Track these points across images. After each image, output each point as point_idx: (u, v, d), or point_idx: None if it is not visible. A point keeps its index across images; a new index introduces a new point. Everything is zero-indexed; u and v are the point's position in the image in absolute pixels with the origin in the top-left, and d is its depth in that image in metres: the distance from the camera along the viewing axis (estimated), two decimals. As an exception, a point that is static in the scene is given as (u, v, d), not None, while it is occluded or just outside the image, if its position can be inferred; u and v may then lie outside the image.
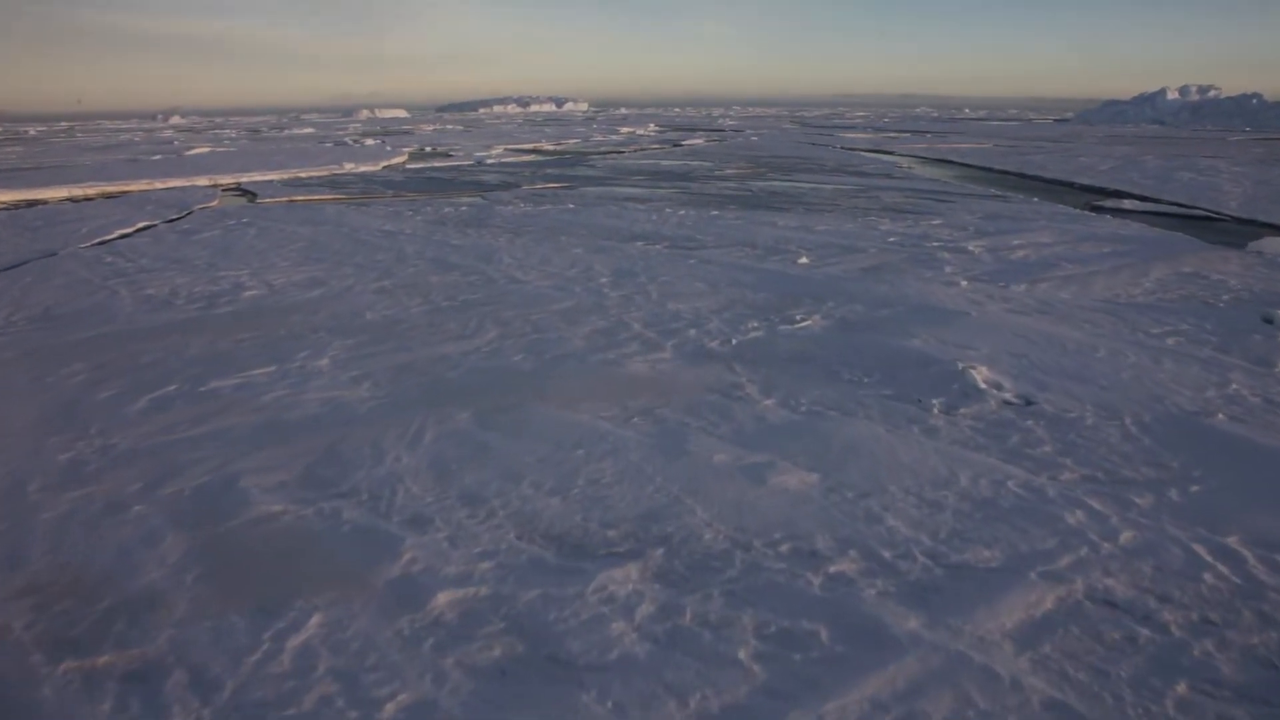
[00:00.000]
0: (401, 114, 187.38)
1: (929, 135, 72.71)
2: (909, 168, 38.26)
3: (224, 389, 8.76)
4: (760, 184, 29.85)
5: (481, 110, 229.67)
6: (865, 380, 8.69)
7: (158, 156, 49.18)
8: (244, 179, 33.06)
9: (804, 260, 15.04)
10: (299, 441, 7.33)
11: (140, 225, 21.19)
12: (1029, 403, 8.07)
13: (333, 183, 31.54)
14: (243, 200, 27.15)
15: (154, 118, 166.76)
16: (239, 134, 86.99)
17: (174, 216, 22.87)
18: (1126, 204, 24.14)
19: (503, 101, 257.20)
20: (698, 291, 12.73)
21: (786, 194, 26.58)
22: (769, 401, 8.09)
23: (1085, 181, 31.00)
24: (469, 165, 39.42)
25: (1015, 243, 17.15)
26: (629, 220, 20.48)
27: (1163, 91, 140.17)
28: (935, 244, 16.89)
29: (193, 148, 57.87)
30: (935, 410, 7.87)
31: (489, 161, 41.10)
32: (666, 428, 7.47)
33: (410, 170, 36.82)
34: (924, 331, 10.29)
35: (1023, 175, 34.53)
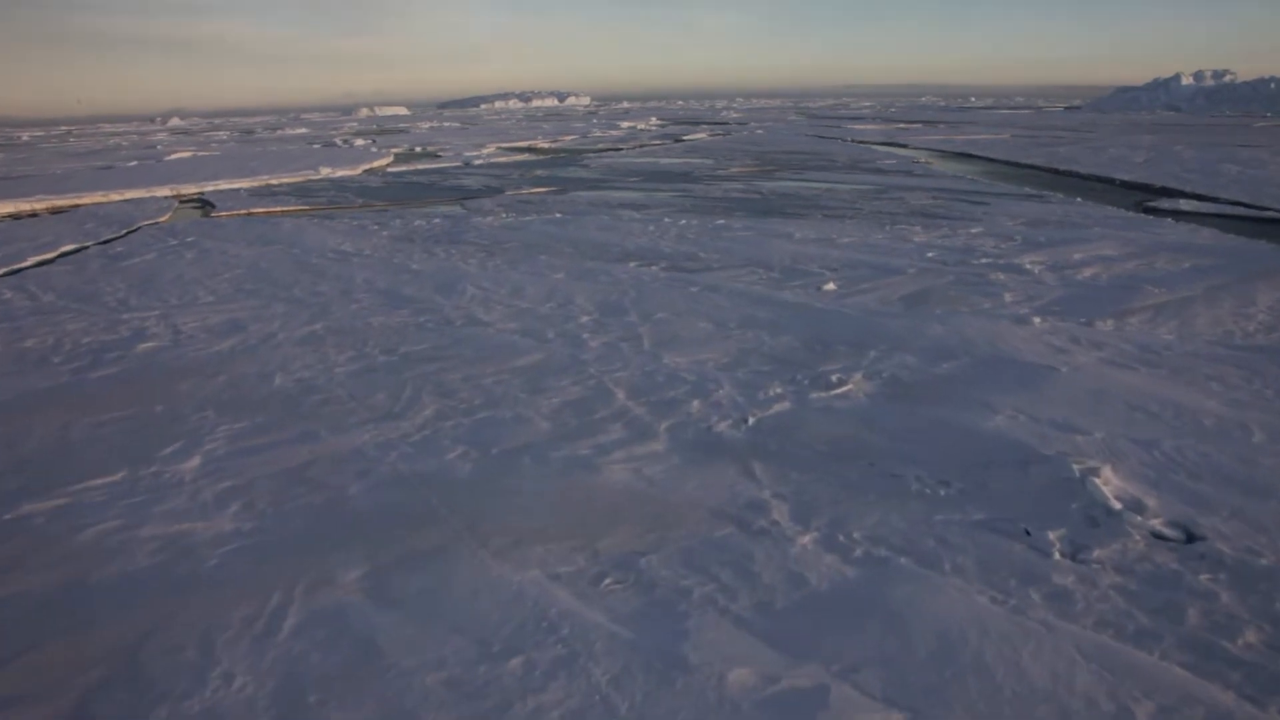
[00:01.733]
0: (402, 111, 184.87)
1: (941, 126, 69.81)
2: (928, 163, 35.52)
3: (36, 517, 6.21)
4: (769, 184, 27.17)
5: (483, 106, 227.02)
6: (943, 493, 6.07)
7: (134, 163, 46.74)
8: (211, 187, 30.55)
9: (830, 286, 12.40)
10: (93, 632, 4.77)
11: (67, 249, 18.66)
12: (1191, 537, 5.46)
13: (303, 191, 28.98)
14: (198, 214, 24.62)
15: (153, 120, 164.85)
16: (232, 136, 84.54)
17: (111, 236, 20.33)
18: (1183, 205, 21.41)
19: (504, 97, 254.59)
20: (702, 335, 10.12)
21: (800, 196, 23.90)
22: (807, 539, 5.49)
23: (1124, 177, 28.22)
24: (455, 167, 36.80)
25: (1076, 256, 14.49)
26: (622, 233, 17.86)
27: (1177, 77, 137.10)
28: (983, 260, 14.24)
29: (176, 152, 55.49)
30: (1056, 554, 5.27)
31: (477, 163, 38.49)
32: (654, 602, 4.88)
33: (391, 174, 34.23)
34: (1005, 400, 7.67)
35: (1054, 170, 31.76)
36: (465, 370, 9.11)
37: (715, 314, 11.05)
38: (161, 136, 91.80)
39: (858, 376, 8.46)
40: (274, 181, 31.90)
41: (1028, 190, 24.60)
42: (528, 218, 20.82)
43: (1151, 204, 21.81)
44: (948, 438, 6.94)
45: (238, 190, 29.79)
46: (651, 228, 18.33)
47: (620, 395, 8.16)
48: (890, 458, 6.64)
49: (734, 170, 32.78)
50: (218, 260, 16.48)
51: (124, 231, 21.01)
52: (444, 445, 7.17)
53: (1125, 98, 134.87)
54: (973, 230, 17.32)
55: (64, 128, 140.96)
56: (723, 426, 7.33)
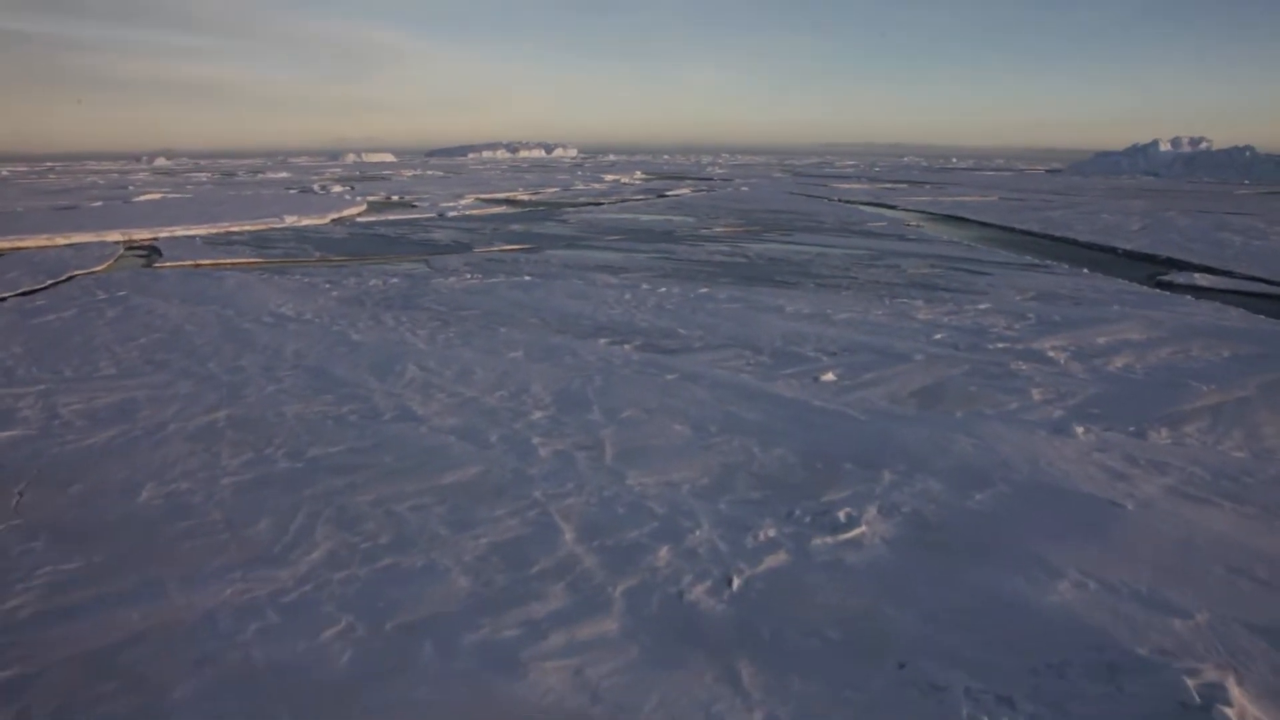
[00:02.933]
0: (389, 158, 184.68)
1: (927, 187, 69.40)
2: (920, 226, 34.34)
3: None
4: (756, 247, 25.70)
5: (471, 155, 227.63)
6: (1009, 726, 4.27)
7: (99, 203, 44.96)
8: (166, 233, 28.76)
9: (830, 377, 10.71)
10: None
11: (-24, 302, 16.76)
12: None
13: (262, 241, 27.25)
14: (140, 263, 22.78)
15: (139, 159, 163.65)
16: (212, 179, 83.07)
17: (34, 287, 18.45)
18: (1199, 279, 20.06)
19: (492, 147, 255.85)
20: (677, 444, 8.35)
21: (789, 262, 22.39)
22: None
23: (1125, 245, 27.01)
24: (427, 219, 35.23)
25: (1100, 341, 12.92)
26: (595, 301, 16.18)
27: (1155, 143, 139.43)
28: (999, 345, 12.63)
29: (147, 194, 53.88)
30: None
31: (451, 214, 36.95)
32: None
33: (358, 225, 32.59)
34: (1066, 555, 5.92)
35: (1049, 236, 30.57)
36: (380, 487, 7.27)
37: (694, 412, 9.30)
38: (142, 176, 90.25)
39: (872, 512, 6.69)
40: (234, 229, 30.17)
41: (1029, 259, 23.24)
42: (494, 279, 19.14)
43: (1164, 277, 20.45)
44: (1000, 619, 5.17)
45: (193, 238, 28.01)
46: (628, 295, 16.67)
47: (568, 534, 6.34)
48: (926, 653, 4.84)
49: (718, 230, 31.39)
50: (139, 321, 14.64)
51: (50, 282, 19.14)
52: (324, 613, 5.31)
53: (1105, 162, 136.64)
54: (980, 306, 15.77)
55: (48, 164, 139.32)
56: (698, 592, 5.52)
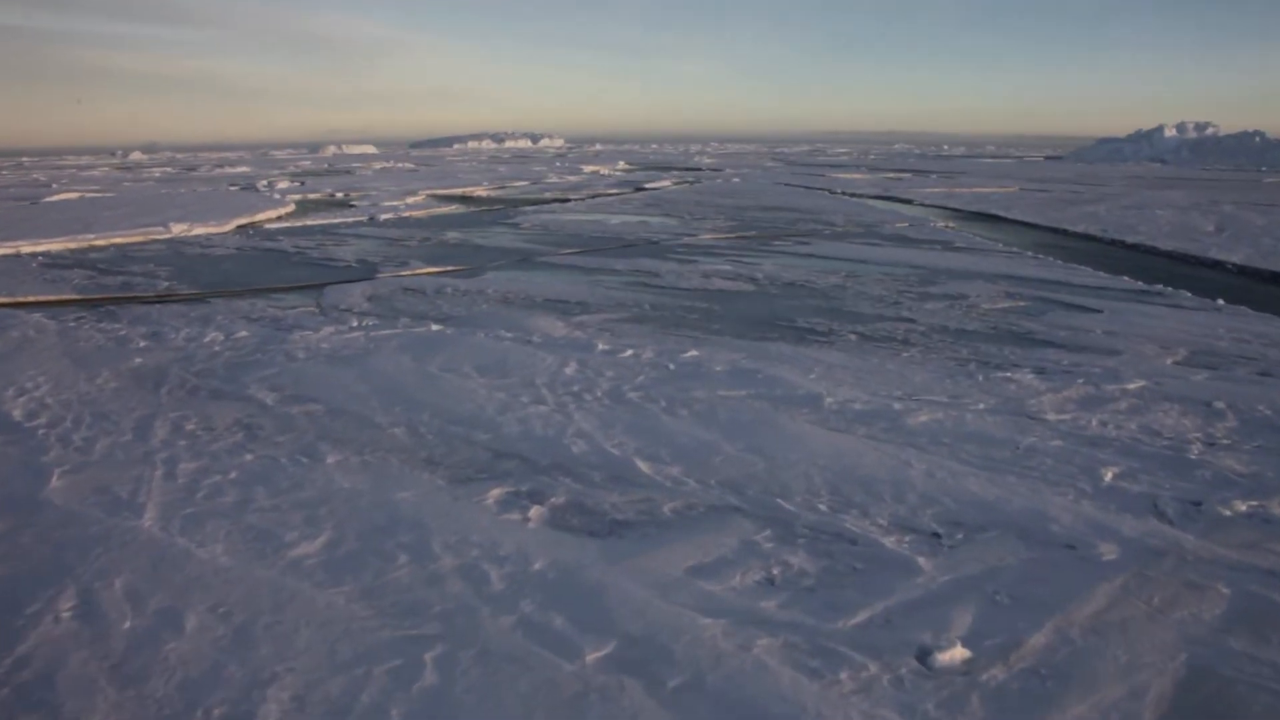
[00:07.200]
0: (370, 150, 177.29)
1: (933, 176, 63.52)
2: (952, 228, 28.45)
3: None
4: (759, 264, 19.68)
5: (456, 146, 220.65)
6: None
7: (-5, 206, 38.75)
8: (6, 249, 22.61)
9: (955, 655, 4.75)
10: None
11: None
12: None
13: (116, 261, 21.09)
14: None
15: (114, 154, 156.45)
16: (164, 174, 76.56)
17: None
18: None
19: (478, 137, 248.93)
20: None
21: (808, 290, 16.35)
22: None
23: (1223, 256, 21.13)
24: (354, 224, 28.98)
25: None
26: (516, 382, 10.19)
27: (1160, 129, 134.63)
28: (1234, 501, 6.72)
29: (63, 194, 47.53)
30: None
31: (385, 218, 30.67)
32: None
33: (262, 234, 26.32)
34: None
35: (1119, 243, 24.71)
36: None
37: None
38: (97, 172, 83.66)
39: None
40: (100, 243, 23.99)
41: (1126, 280, 17.29)
42: (386, 330, 13.11)
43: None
44: None
45: (34, 255, 21.86)
46: (571, 367, 10.64)
47: None
48: None
49: (708, 236, 25.35)
50: None
51: None
52: None
53: (1108, 148, 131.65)
54: (1126, 384, 9.85)
55: (19, 159, 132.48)
56: None
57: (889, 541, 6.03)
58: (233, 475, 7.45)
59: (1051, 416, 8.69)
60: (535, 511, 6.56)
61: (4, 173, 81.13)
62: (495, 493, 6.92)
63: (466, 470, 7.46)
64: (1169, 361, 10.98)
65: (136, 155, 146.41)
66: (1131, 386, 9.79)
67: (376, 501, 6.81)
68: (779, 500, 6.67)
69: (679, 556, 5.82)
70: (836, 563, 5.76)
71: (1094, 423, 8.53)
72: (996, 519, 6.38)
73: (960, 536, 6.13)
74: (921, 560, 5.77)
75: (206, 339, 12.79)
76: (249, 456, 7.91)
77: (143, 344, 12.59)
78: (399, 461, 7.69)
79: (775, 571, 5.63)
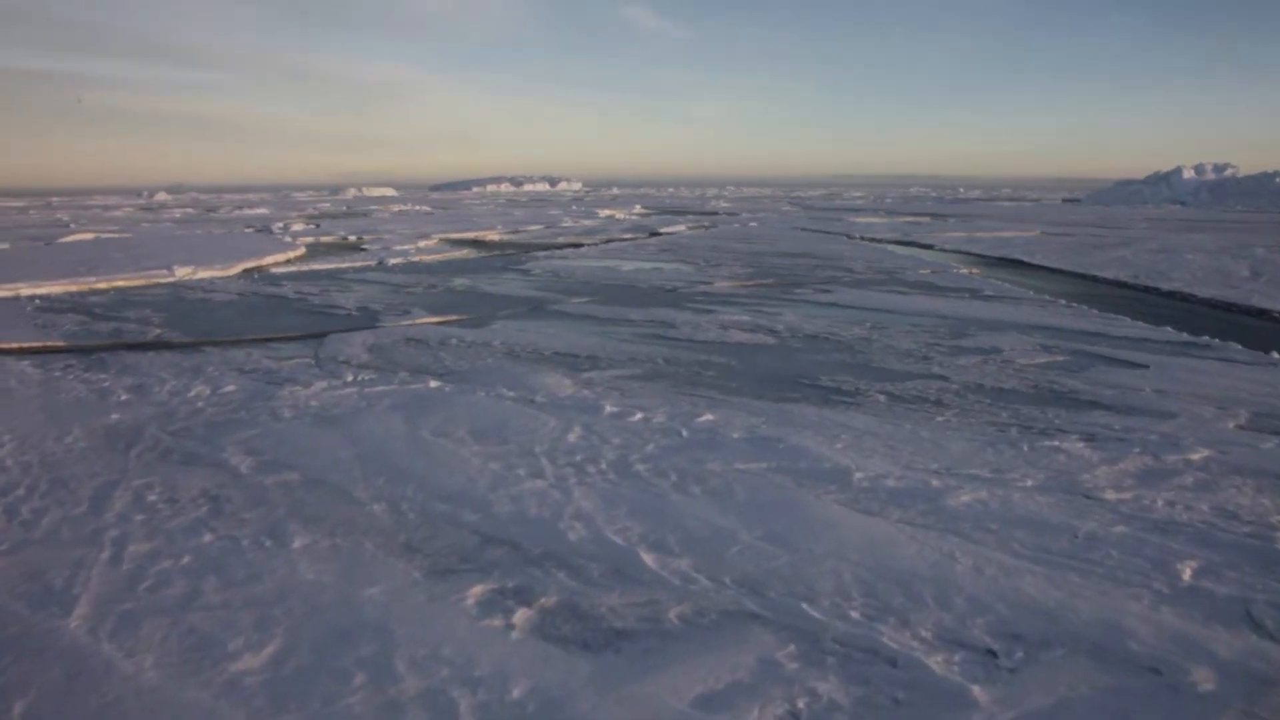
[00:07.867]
0: (390, 193, 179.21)
1: (951, 220, 62.88)
2: (975, 273, 27.56)
3: None
4: (780, 314, 18.84)
5: (475, 190, 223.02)
6: None
7: (5, 245, 38.78)
8: (6, 291, 22.16)
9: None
10: None
11: None
12: None
13: (114, 305, 20.54)
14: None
15: (140, 195, 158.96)
16: (185, 215, 77.13)
17: None
18: None
19: (496, 181, 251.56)
20: None
21: (832, 344, 15.46)
22: None
23: (1265, 304, 20.19)
24: (362, 269, 28.46)
25: None
26: (513, 450, 9.33)
27: (1178, 170, 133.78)
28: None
29: (79, 234, 47.62)
30: None
31: (394, 262, 30.16)
32: None
33: (267, 279, 25.79)
34: None
35: (1154, 290, 23.75)
36: None
37: None
38: (122, 212, 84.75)
39: None
40: (101, 286, 23.52)
41: (1169, 331, 16.29)
42: (382, 387, 12.31)
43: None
44: None
45: (34, 298, 21.37)
46: (575, 433, 9.77)
47: None
48: None
49: (725, 284, 24.58)
50: None
51: None
52: None
53: (1126, 191, 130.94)
54: (1189, 454, 8.88)
55: (48, 199, 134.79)
56: None
57: (935, 662, 5.07)
58: (185, 561, 6.60)
59: (1110, 495, 7.72)
60: (521, 616, 5.65)
61: (31, 212, 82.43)
62: (477, 590, 6.02)
63: (448, 559, 6.57)
64: (1231, 425, 9.99)
65: (161, 195, 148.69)
66: (1195, 457, 8.80)
67: (341, 598, 5.92)
68: (804, 605, 5.73)
69: (686, 681, 4.88)
70: (874, 691, 4.80)
71: (1159, 503, 7.55)
72: (1062, 632, 5.41)
73: (1020, 655, 5.17)
74: (976, 690, 4.80)
75: (191, 393, 12.04)
76: (208, 537, 7.06)
77: (124, 397, 11.87)
78: (373, 546, 6.81)
79: (801, 704, 4.68)
